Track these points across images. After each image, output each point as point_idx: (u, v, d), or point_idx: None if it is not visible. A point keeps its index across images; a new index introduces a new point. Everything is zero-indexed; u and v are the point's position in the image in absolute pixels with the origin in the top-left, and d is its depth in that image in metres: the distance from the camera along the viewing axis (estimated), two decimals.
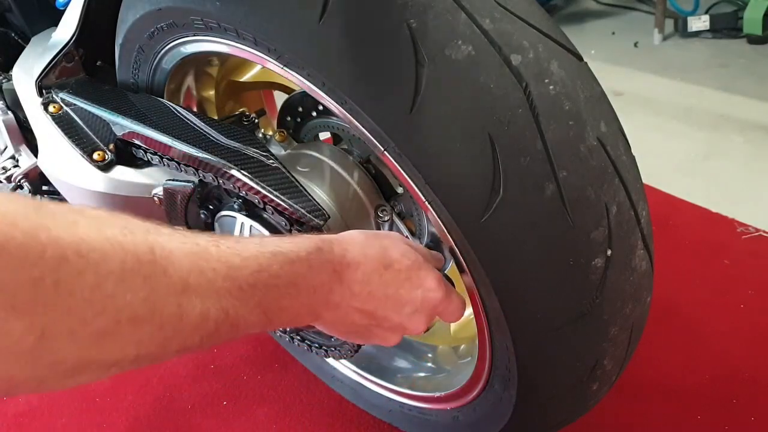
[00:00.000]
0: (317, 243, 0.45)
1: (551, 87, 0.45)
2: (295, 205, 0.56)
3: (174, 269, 0.34)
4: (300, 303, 0.43)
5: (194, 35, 0.59)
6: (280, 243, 0.42)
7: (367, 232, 0.52)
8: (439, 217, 0.49)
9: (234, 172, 0.58)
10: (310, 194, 0.58)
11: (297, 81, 0.51)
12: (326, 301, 0.45)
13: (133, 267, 0.32)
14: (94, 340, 0.30)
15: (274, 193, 0.57)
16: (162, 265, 0.33)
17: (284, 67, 0.51)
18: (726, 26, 2.20)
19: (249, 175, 0.58)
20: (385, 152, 0.48)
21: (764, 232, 1.21)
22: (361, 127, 0.49)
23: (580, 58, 0.49)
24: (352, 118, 0.49)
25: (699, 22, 2.21)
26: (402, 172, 0.49)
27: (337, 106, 0.49)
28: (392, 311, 0.49)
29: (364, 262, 0.47)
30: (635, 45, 2.29)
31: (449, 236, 0.50)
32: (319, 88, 0.49)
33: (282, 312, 0.42)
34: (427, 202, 0.49)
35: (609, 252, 0.48)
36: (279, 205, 0.57)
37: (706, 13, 2.28)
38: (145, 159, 0.67)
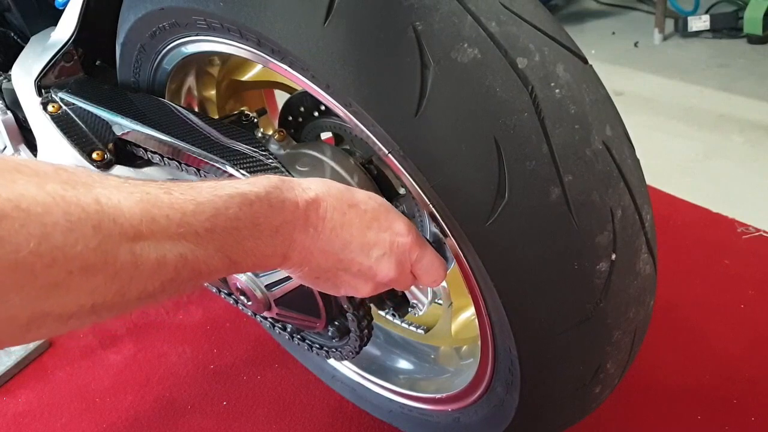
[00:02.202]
0: (276, 182, 0.43)
1: (557, 90, 0.45)
2: None
3: (124, 218, 0.33)
4: (264, 244, 0.42)
5: (196, 35, 0.58)
6: (237, 185, 0.41)
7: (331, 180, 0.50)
8: (443, 221, 0.49)
9: (233, 171, 0.58)
10: None
11: (301, 83, 0.51)
12: (291, 241, 0.44)
13: (80, 217, 0.31)
14: (46, 293, 0.30)
15: None
16: (110, 213, 0.33)
17: (288, 69, 0.50)
18: (726, 26, 2.20)
19: (248, 175, 0.57)
20: (389, 155, 0.48)
21: (764, 232, 1.21)
22: (365, 130, 0.49)
23: (585, 61, 0.49)
24: (356, 121, 0.49)
25: (699, 22, 2.21)
26: (406, 174, 0.48)
27: (342, 108, 0.49)
28: (359, 253, 0.47)
29: (326, 199, 0.46)
30: (635, 45, 2.29)
31: (453, 239, 0.50)
32: (324, 90, 0.49)
33: (247, 255, 0.41)
34: (431, 206, 0.49)
35: (613, 256, 0.48)
36: None
37: (706, 13, 2.28)
38: (146, 158, 0.67)
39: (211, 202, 0.38)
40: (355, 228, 0.47)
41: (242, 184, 0.42)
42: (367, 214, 0.48)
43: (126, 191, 0.35)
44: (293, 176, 0.57)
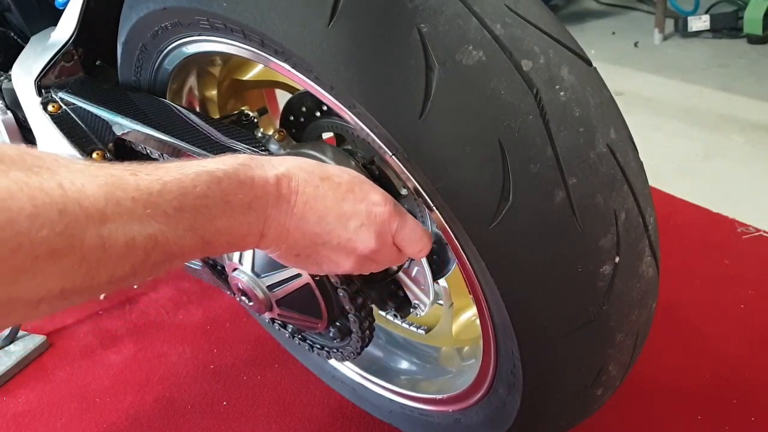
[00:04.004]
0: (244, 160, 0.43)
1: (562, 93, 0.45)
2: None
3: (89, 201, 0.33)
4: (238, 222, 0.41)
5: (199, 35, 0.58)
6: (204, 163, 0.41)
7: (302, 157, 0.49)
8: (447, 223, 0.49)
9: None
10: None
11: (304, 84, 0.51)
12: (265, 218, 0.43)
13: (45, 202, 0.31)
14: (13, 278, 0.30)
15: None
16: (74, 198, 0.32)
17: (292, 70, 0.50)
18: (726, 26, 2.20)
19: None
20: (393, 157, 0.48)
21: (764, 232, 1.21)
22: (369, 131, 0.48)
23: (590, 63, 0.49)
24: (360, 122, 0.48)
25: (699, 22, 2.21)
26: (410, 176, 0.48)
27: (346, 109, 0.49)
28: (335, 225, 0.46)
29: (297, 173, 0.45)
30: (635, 45, 2.29)
31: (457, 242, 0.50)
32: (327, 92, 0.49)
33: (220, 234, 0.40)
34: (435, 208, 0.48)
35: (617, 259, 0.48)
36: None
37: (706, 12, 2.28)
38: (145, 153, 0.66)
39: (177, 181, 0.38)
40: (330, 200, 0.46)
41: (210, 162, 0.41)
42: (341, 187, 0.47)
43: (90, 174, 0.34)
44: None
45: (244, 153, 0.58)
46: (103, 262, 0.34)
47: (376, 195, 0.49)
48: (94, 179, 0.34)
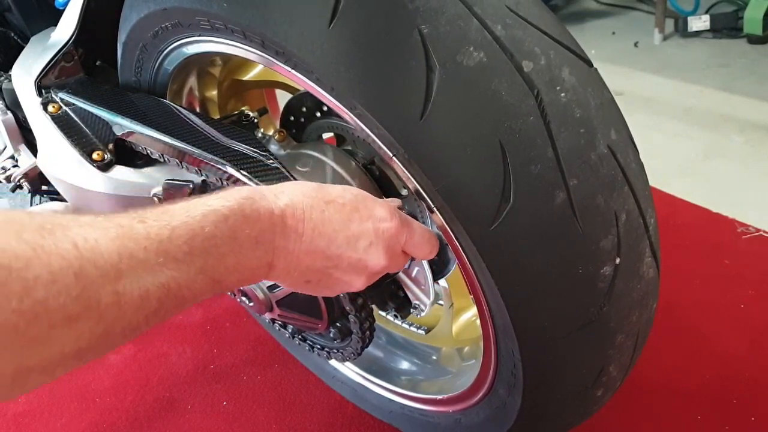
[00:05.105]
0: (248, 192, 0.43)
1: (562, 94, 0.45)
2: None
3: (103, 259, 0.33)
4: (246, 257, 0.41)
5: (200, 36, 0.58)
6: (208, 201, 0.41)
7: (303, 181, 0.49)
8: (447, 224, 0.49)
9: (233, 171, 0.58)
10: None
11: (305, 85, 0.51)
12: (273, 249, 0.43)
13: (61, 266, 0.31)
14: (31, 348, 0.30)
15: None
16: (89, 258, 0.32)
17: (292, 71, 0.50)
18: (726, 26, 2.20)
19: (248, 175, 0.57)
20: (393, 158, 0.48)
21: (764, 232, 1.21)
22: (369, 132, 0.48)
23: (591, 64, 0.49)
24: (361, 123, 0.48)
25: (699, 22, 2.21)
26: (411, 177, 0.48)
27: (346, 110, 0.49)
28: (345, 248, 0.46)
29: (302, 200, 0.45)
30: (635, 45, 2.29)
31: (457, 242, 0.50)
32: (328, 93, 0.49)
33: (230, 272, 0.40)
34: (435, 208, 0.48)
35: (618, 260, 0.48)
36: None
37: (706, 12, 2.28)
38: (145, 153, 0.66)
39: (185, 225, 0.38)
40: (337, 223, 0.46)
41: (214, 200, 0.41)
42: (346, 207, 0.47)
43: (101, 227, 0.34)
44: (294, 177, 0.57)
45: (250, 153, 0.59)
46: (119, 317, 0.34)
47: (381, 210, 0.48)
48: (105, 233, 0.34)
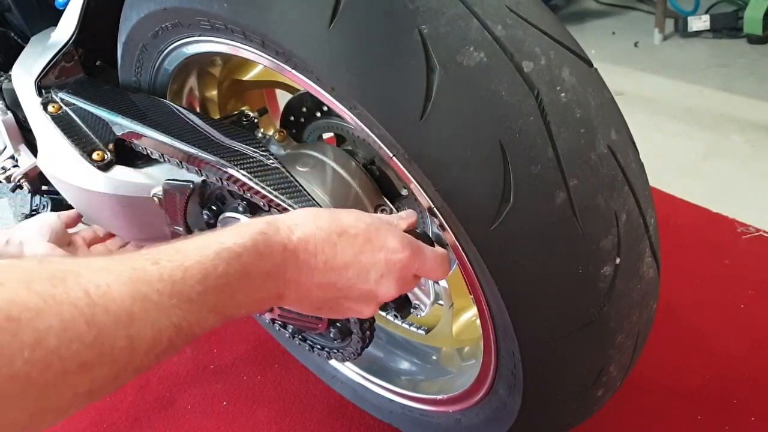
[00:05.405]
0: (261, 227, 0.43)
1: (563, 94, 0.45)
2: (293, 205, 0.56)
3: (116, 305, 0.33)
4: (256, 290, 0.42)
5: (200, 36, 0.58)
6: (221, 238, 0.41)
7: (317, 208, 0.49)
8: (448, 224, 0.49)
9: (233, 171, 0.58)
10: (309, 193, 0.57)
11: (305, 85, 0.51)
12: (285, 282, 0.44)
13: (73, 315, 0.31)
14: (44, 394, 0.30)
15: (273, 192, 0.56)
16: (101, 304, 0.32)
17: (293, 71, 0.50)
18: (726, 26, 2.20)
19: (248, 175, 0.57)
20: (394, 158, 0.48)
21: (764, 232, 1.21)
22: (370, 132, 0.48)
23: (591, 64, 0.49)
24: (361, 124, 0.48)
25: (699, 22, 2.21)
26: (411, 177, 0.48)
27: (346, 111, 0.49)
28: (356, 279, 0.47)
29: (315, 233, 0.45)
30: (635, 45, 2.29)
31: (458, 242, 0.50)
32: (328, 93, 0.49)
33: (240, 306, 0.41)
34: (436, 209, 0.48)
35: (618, 260, 0.48)
36: (279, 204, 0.57)
37: (706, 12, 2.28)
38: (146, 153, 0.66)
39: (199, 264, 0.38)
40: (349, 255, 0.46)
41: (227, 236, 0.41)
42: (358, 239, 0.47)
43: (114, 271, 0.34)
44: (294, 177, 0.57)
45: (251, 153, 0.59)
46: (131, 360, 0.34)
47: (393, 241, 0.48)
48: (117, 277, 0.34)
